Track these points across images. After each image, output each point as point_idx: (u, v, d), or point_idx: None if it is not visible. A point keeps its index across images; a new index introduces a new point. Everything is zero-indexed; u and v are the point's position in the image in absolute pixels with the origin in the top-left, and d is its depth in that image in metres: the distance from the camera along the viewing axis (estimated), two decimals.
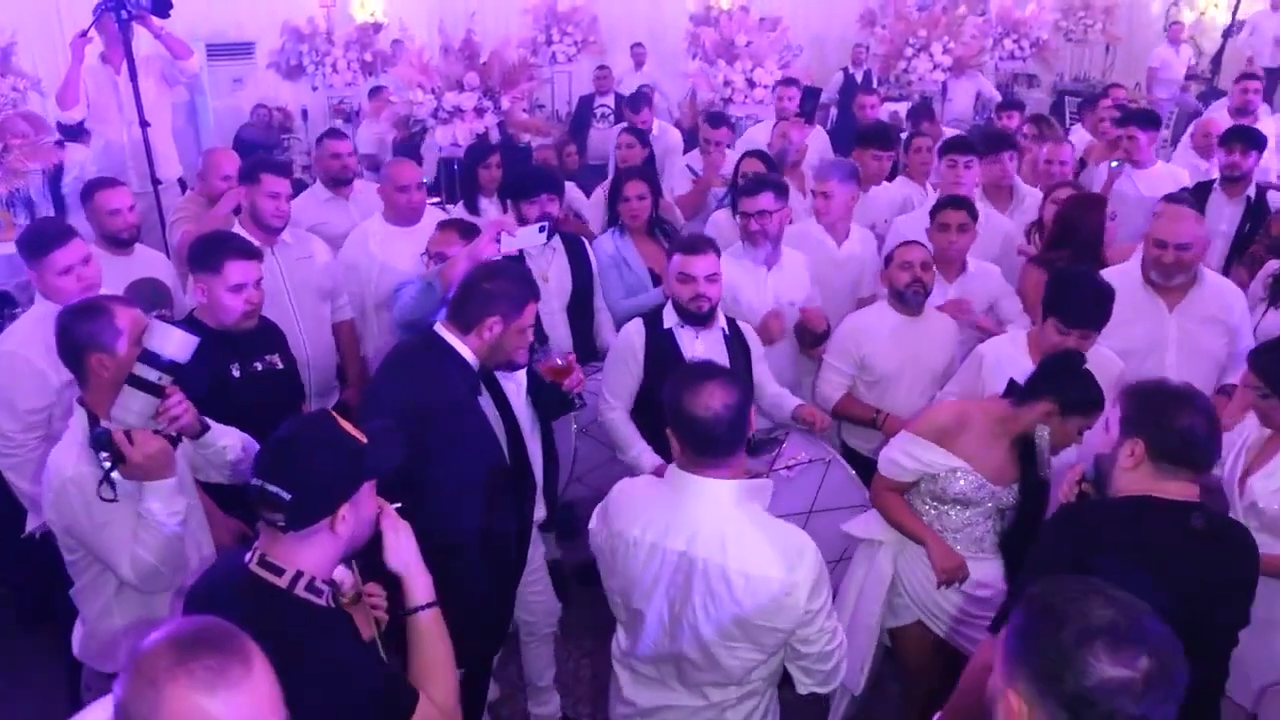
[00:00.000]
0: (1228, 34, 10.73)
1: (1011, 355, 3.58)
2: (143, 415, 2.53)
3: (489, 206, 5.42)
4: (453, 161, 6.43)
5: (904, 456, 3.14)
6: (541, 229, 3.96)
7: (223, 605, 1.95)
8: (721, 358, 3.71)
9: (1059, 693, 1.45)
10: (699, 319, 3.70)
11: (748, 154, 5.32)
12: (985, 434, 3.09)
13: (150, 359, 2.49)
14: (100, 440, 2.49)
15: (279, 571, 1.99)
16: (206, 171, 5.19)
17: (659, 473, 3.54)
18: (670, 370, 3.60)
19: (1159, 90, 11.15)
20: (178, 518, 2.63)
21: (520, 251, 4.03)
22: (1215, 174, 5.68)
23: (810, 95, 6.04)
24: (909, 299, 3.98)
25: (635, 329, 3.80)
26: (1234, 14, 10.49)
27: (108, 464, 2.50)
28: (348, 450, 2.02)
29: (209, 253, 3.37)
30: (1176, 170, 6.06)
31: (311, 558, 2.01)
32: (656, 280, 4.68)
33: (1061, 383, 2.99)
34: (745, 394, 2.39)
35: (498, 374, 3.13)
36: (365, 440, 2.05)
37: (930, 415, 3.18)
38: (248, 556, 2.04)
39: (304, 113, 9.63)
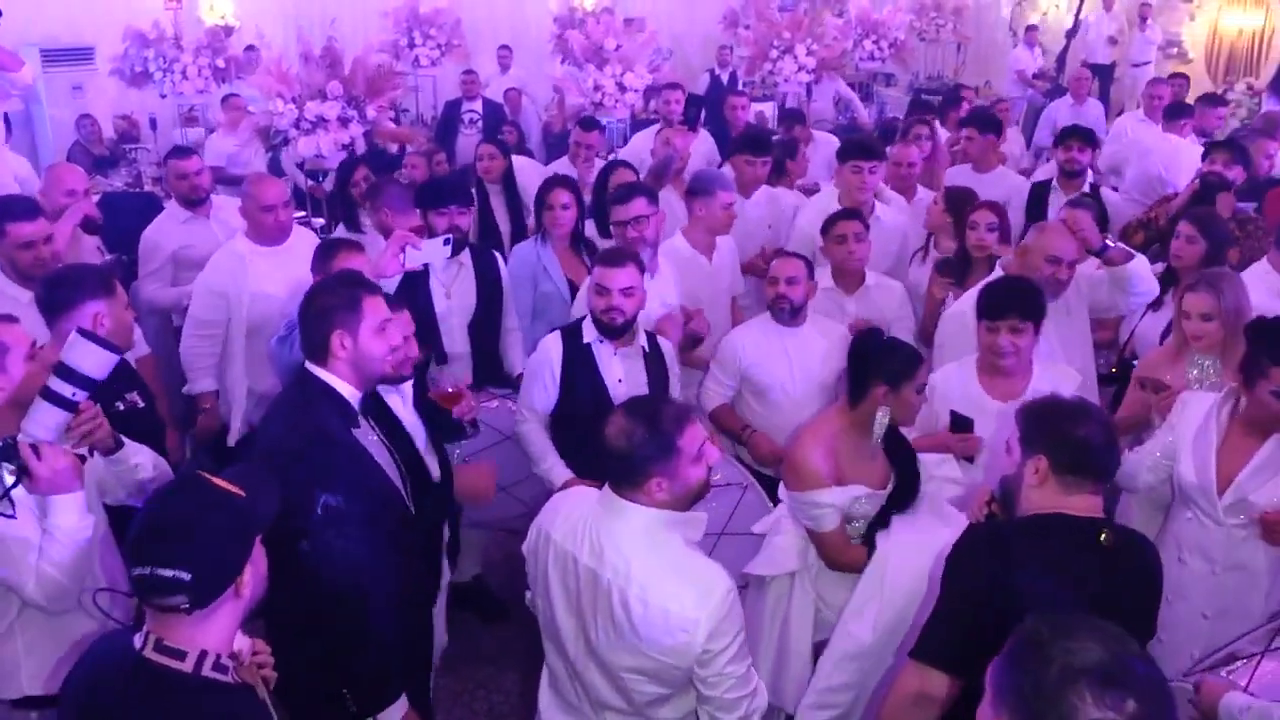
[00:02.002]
0: (1070, 34, 11.22)
1: (961, 379, 3.57)
2: (54, 430, 2.43)
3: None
4: (318, 174, 6.20)
5: (819, 508, 3.05)
6: (446, 242, 3.84)
7: (112, 703, 1.79)
8: (640, 375, 3.66)
9: None
10: (614, 332, 3.62)
11: (615, 164, 5.22)
12: (854, 448, 3.09)
13: (65, 373, 2.39)
14: (5, 452, 2.35)
15: (180, 655, 1.81)
16: (48, 188, 4.84)
17: (570, 486, 3.51)
18: (588, 387, 3.60)
19: (1014, 89, 11.63)
20: (87, 533, 2.49)
21: (425, 266, 3.89)
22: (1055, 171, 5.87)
23: (693, 102, 6.01)
24: (776, 314, 3.97)
25: (554, 342, 3.70)
26: (1076, 15, 10.98)
27: (12, 478, 2.34)
28: (234, 509, 1.86)
29: (61, 292, 3.12)
30: (1010, 174, 6.21)
31: (215, 633, 1.85)
32: (575, 292, 4.58)
33: (878, 361, 3.04)
34: (652, 428, 2.32)
35: (381, 389, 2.98)
36: (243, 492, 1.89)
37: (801, 465, 3.07)
38: (138, 642, 1.84)
39: (152, 121, 9.11)
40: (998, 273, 4.06)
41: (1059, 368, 3.64)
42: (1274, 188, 5.56)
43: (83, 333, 2.49)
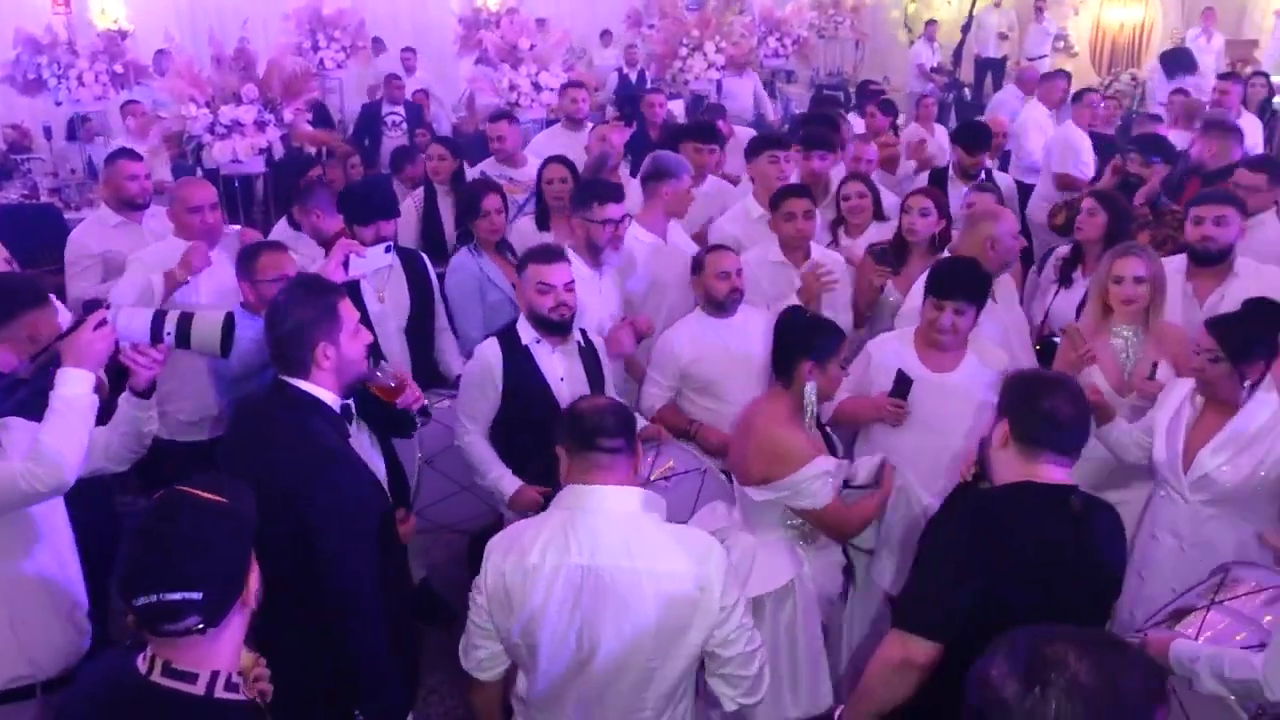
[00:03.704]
0: (965, 30, 11.58)
1: (897, 350, 3.65)
2: (126, 336, 2.71)
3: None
4: (233, 179, 6.04)
5: (817, 479, 3.05)
6: (387, 249, 3.86)
7: None
8: (579, 372, 3.64)
9: None
10: (560, 328, 3.59)
11: (553, 160, 5.12)
12: (803, 424, 3.14)
13: (183, 319, 2.77)
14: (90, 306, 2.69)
15: (191, 678, 1.73)
16: None
17: (522, 496, 3.56)
18: (531, 390, 3.58)
19: (915, 84, 11.96)
20: (85, 401, 2.60)
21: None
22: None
23: (627, 100, 6.07)
24: (728, 305, 3.97)
25: (491, 349, 3.63)
26: (970, 12, 11.34)
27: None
28: (228, 517, 1.79)
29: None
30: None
31: (226, 649, 1.78)
32: None
33: (804, 339, 3.11)
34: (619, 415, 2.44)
35: None
36: (226, 499, 1.81)
37: (784, 446, 3.07)
38: (142, 666, 1.75)
39: (47, 130, 8.76)
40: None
41: (989, 347, 3.74)
42: (1193, 179, 5.75)
43: (229, 318, 2.86)
